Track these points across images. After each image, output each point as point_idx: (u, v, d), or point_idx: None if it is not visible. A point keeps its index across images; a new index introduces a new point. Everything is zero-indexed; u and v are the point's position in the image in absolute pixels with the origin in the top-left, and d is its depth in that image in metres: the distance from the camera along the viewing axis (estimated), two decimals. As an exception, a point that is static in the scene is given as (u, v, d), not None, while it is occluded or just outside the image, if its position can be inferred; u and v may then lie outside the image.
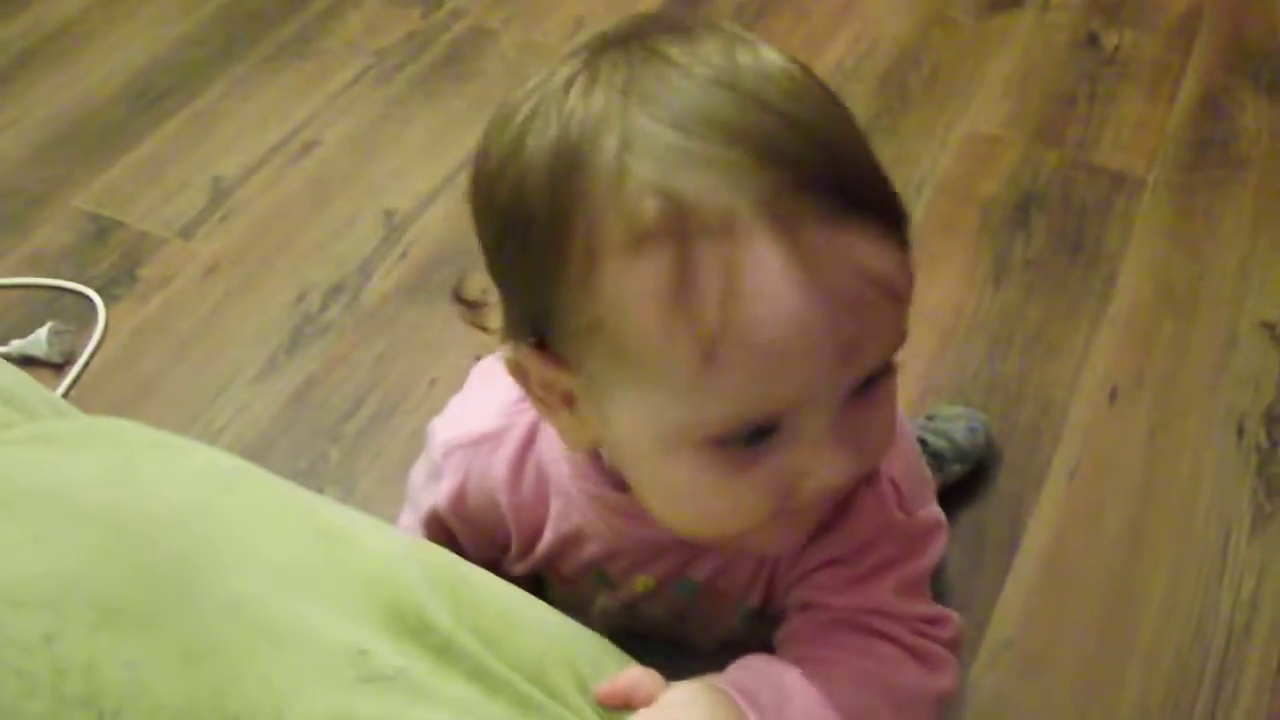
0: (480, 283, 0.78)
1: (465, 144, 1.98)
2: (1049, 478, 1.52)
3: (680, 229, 0.59)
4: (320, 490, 1.48)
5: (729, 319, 0.59)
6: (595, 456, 0.80)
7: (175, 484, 0.65)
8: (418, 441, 1.51)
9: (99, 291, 1.76)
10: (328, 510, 0.68)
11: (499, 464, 0.84)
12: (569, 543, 0.85)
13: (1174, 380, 1.63)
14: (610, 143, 0.61)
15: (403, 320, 1.72)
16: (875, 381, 0.68)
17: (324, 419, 1.60)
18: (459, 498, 0.87)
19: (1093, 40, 2.16)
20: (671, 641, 0.93)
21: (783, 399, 0.64)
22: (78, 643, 0.55)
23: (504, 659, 0.62)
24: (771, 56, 0.64)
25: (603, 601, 0.89)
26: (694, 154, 0.59)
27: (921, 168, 1.91)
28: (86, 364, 1.66)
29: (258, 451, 1.55)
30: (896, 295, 0.64)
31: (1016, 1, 2.24)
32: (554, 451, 0.82)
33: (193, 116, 2.06)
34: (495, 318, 0.74)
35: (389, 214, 1.87)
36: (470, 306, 0.79)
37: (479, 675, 0.60)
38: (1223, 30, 2.18)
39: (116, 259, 1.82)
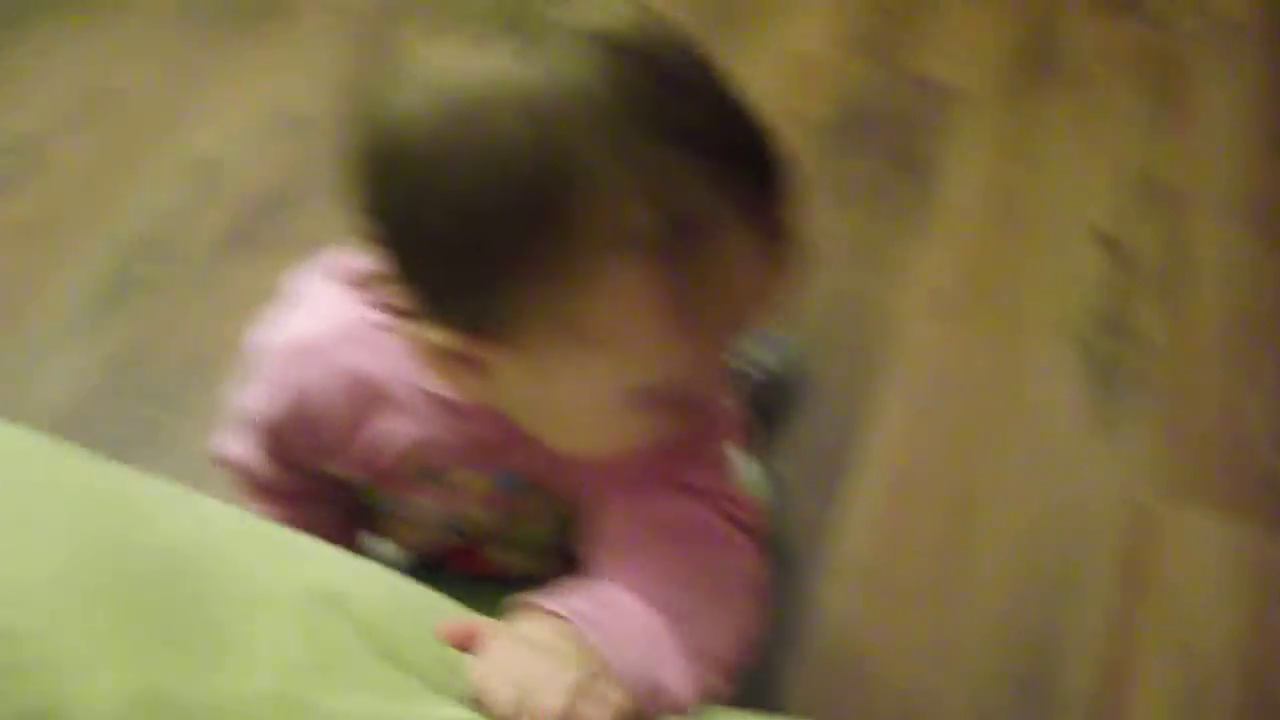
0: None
1: (279, 80, 1.87)
2: (886, 393, 1.48)
3: (672, 234, 0.63)
4: (153, 457, 1.39)
5: (715, 305, 0.67)
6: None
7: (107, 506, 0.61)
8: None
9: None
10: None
11: (312, 374, 0.84)
12: (395, 441, 0.85)
13: (1008, 290, 1.60)
14: (596, 151, 0.63)
15: (228, 273, 1.61)
16: None
17: (152, 382, 1.49)
18: (282, 404, 0.86)
19: (918, -48, 2.12)
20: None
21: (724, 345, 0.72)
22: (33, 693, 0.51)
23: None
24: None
25: (426, 503, 0.90)
26: (686, 165, 0.64)
27: (749, 89, 1.84)
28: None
29: (82, 420, 1.44)
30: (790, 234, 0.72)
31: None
32: (379, 360, 0.83)
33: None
34: (401, 299, 0.73)
35: (203, 161, 1.75)
36: (395, 310, 0.76)
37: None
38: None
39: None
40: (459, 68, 0.65)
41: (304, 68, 1.90)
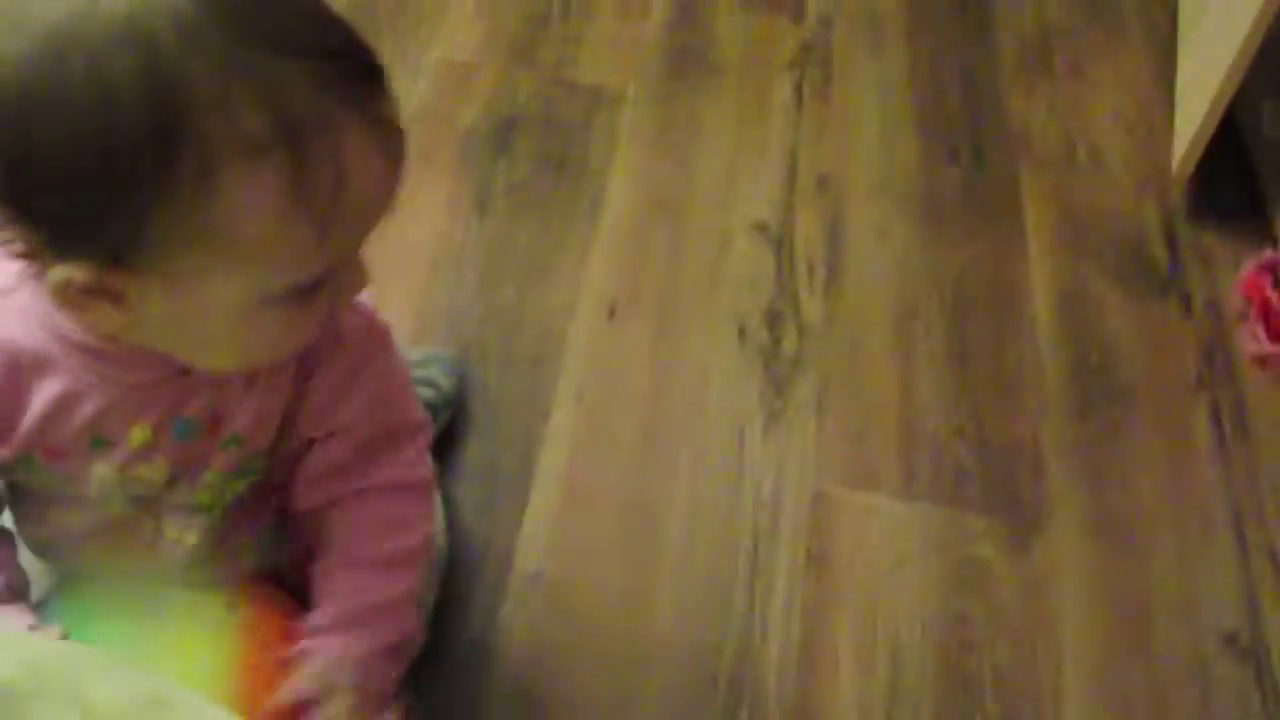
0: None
1: None
2: (556, 404, 1.44)
3: (289, 137, 0.68)
4: None
5: (341, 200, 0.70)
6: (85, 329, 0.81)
7: None
8: None
9: None
10: None
11: (9, 321, 0.82)
12: (60, 408, 0.84)
13: (672, 289, 1.58)
14: (202, 67, 0.66)
15: None
16: None
17: None
18: None
19: (560, -43, 2.09)
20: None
21: (359, 240, 0.76)
22: None
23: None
24: None
25: (100, 470, 0.88)
26: (289, 69, 0.68)
27: (397, 99, 1.78)
28: None
29: None
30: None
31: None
32: (26, 325, 0.82)
33: None
34: (25, 243, 0.73)
35: None
36: (31, 255, 0.74)
37: None
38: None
39: None
40: (45, 7, 0.66)
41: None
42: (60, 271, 0.72)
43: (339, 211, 0.71)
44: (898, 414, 1.49)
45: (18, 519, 0.96)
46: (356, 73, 0.72)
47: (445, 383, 1.38)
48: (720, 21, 1.99)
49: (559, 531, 1.34)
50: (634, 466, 1.40)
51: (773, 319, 1.55)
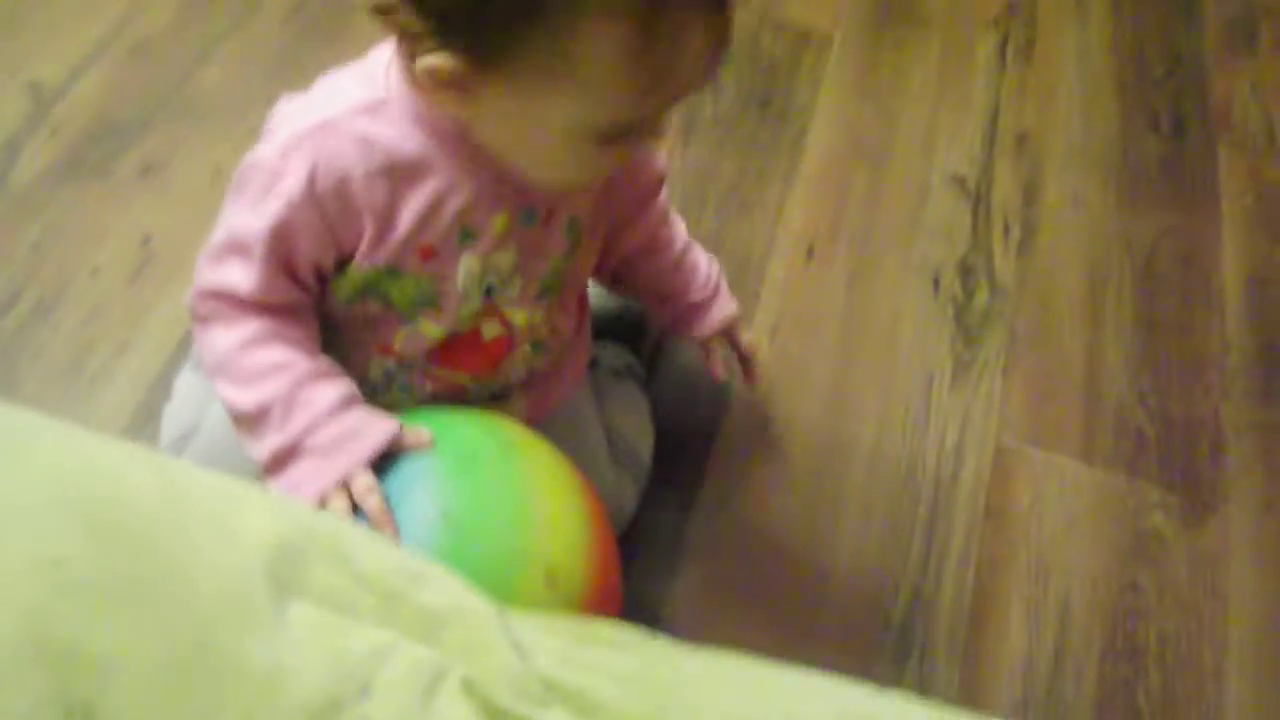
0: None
1: (115, 7, 1.77)
2: (756, 335, 1.46)
3: (647, 8, 0.78)
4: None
5: (670, 73, 0.82)
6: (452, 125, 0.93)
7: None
8: (84, 336, 1.36)
9: None
10: None
11: (346, 145, 0.92)
12: (436, 205, 0.94)
13: (868, 235, 1.60)
14: None
15: (58, 203, 1.51)
16: None
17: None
18: (309, 187, 0.91)
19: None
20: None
21: (669, 105, 0.87)
22: None
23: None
24: None
25: (467, 262, 0.98)
26: None
27: None
28: None
29: None
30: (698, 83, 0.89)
31: None
32: (397, 126, 0.92)
33: None
34: (411, 23, 0.84)
35: (35, 87, 1.65)
36: (384, 12, 0.85)
37: None
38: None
39: None
40: None
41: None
42: (431, 59, 0.83)
43: (666, 77, 0.82)
44: (1083, 377, 1.50)
45: (351, 369, 1.02)
46: None
47: None
48: (928, -30, 1.99)
49: (747, 459, 1.37)
50: (824, 404, 1.42)
51: (966, 272, 1.57)
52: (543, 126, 0.87)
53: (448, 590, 0.66)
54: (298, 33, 1.72)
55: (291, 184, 0.92)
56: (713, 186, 1.62)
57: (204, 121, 1.61)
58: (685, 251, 1.23)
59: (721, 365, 1.23)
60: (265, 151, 0.93)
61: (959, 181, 1.67)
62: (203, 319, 0.99)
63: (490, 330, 1.04)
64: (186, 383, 1.24)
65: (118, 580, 0.51)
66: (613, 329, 1.37)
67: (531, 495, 0.93)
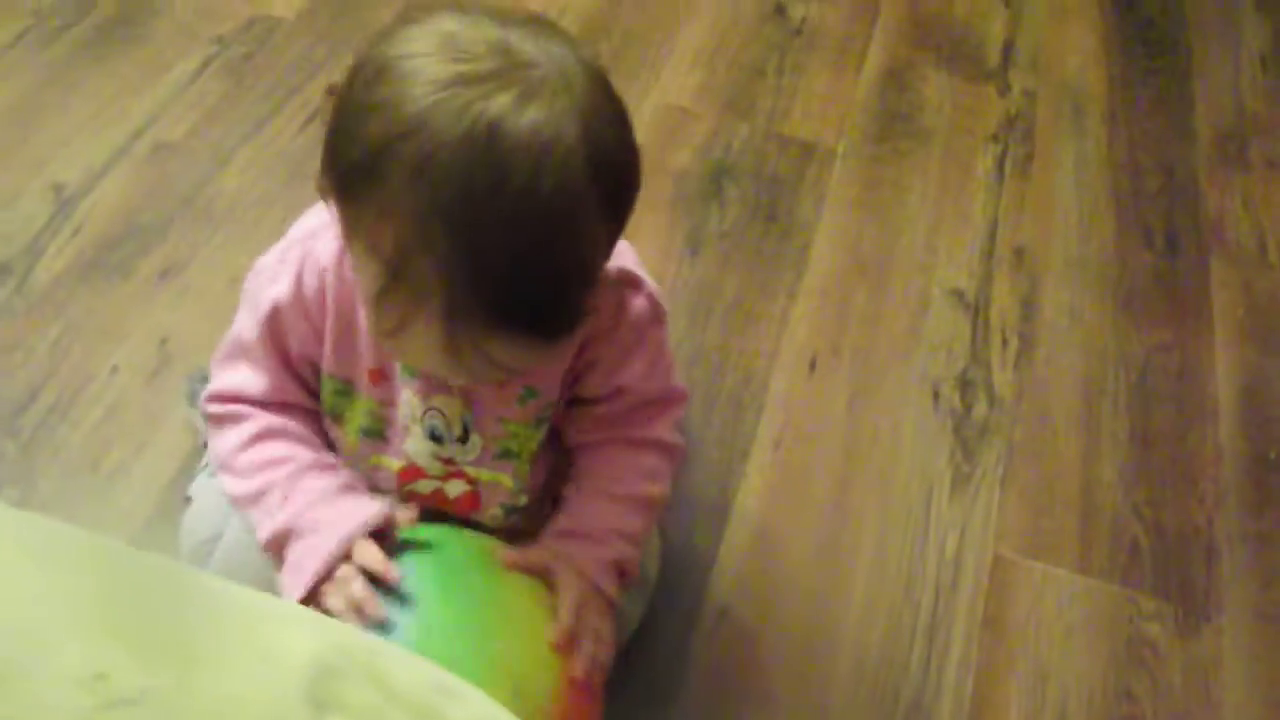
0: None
1: (137, 112, 1.83)
2: (755, 447, 1.51)
3: (394, 273, 0.83)
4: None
5: (396, 341, 0.88)
6: None
7: None
8: (103, 433, 1.41)
9: None
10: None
11: (326, 248, 0.99)
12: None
13: (870, 347, 1.64)
14: (396, 178, 0.81)
15: (78, 303, 1.56)
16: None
17: (-5, 413, 1.44)
18: (296, 289, 0.99)
19: (780, 12, 2.17)
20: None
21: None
22: None
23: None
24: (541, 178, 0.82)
25: (407, 396, 1.03)
26: (430, 239, 0.80)
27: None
28: None
29: None
30: (518, 371, 0.92)
31: (701, -25, 2.24)
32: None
33: None
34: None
35: (58, 188, 1.71)
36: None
37: None
38: (901, 5, 2.23)
39: None
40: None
41: (162, 93, 1.87)
42: (323, 179, 0.89)
43: (394, 338, 0.87)
44: (1079, 488, 1.54)
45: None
46: (480, 306, 0.82)
47: None
48: (928, 86, 2.05)
49: (749, 570, 1.40)
50: (824, 515, 1.46)
51: (965, 385, 1.61)
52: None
53: (478, 707, 0.69)
54: (315, 138, 1.77)
55: (281, 286, 1.00)
56: (718, 300, 1.67)
57: (222, 225, 1.67)
58: (619, 495, 1.11)
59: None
60: (265, 259, 1.03)
61: (958, 295, 1.72)
62: (215, 419, 1.06)
63: (454, 488, 1.09)
64: (205, 488, 1.27)
65: (161, 694, 0.53)
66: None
67: (507, 611, 0.98)
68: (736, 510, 1.44)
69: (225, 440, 1.05)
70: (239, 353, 1.05)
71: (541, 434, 1.08)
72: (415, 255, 0.81)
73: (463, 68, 0.80)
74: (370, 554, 0.96)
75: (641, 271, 1.08)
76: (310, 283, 1.00)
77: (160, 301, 1.56)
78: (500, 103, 0.79)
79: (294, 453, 1.03)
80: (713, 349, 1.61)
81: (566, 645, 0.98)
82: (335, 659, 0.63)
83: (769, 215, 1.80)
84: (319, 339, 1.02)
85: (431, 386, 1.02)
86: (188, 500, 1.26)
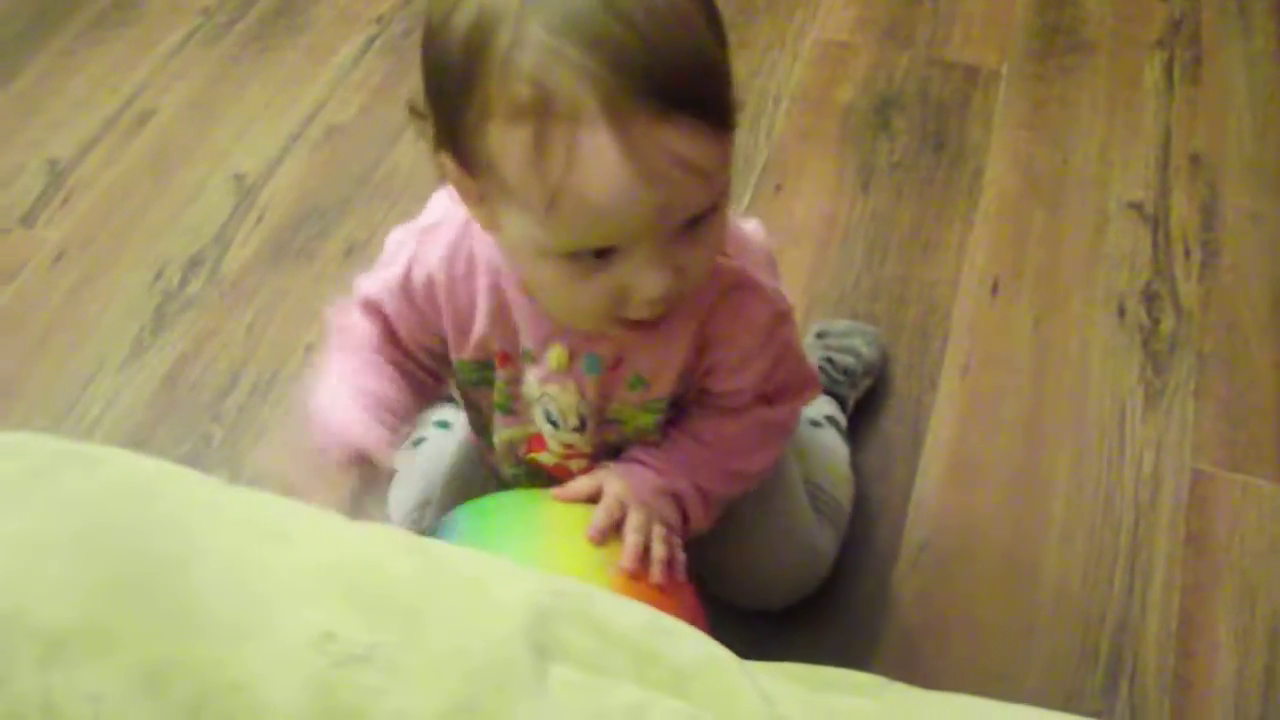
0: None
1: (307, 98, 1.90)
2: (943, 376, 1.52)
3: (541, 111, 0.79)
4: (206, 473, 1.41)
5: (566, 183, 0.81)
6: None
7: (99, 494, 0.59)
8: (302, 412, 1.46)
9: (-60, 289, 1.65)
10: (267, 508, 0.64)
11: (438, 246, 1.01)
12: (498, 317, 1.01)
13: (1051, 267, 1.64)
14: (505, 36, 0.79)
15: (268, 287, 1.64)
16: (699, 221, 0.87)
17: (201, 398, 1.52)
18: (406, 275, 1.03)
19: (933, -63, 2.15)
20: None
21: (609, 238, 0.85)
22: (29, 681, 0.49)
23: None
24: None
25: (529, 380, 1.05)
26: (561, 56, 0.78)
27: (776, 79, 1.88)
28: (-67, 367, 1.55)
29: (135, 441, 1.46)
30: (703, 173, 0.83)
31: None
32: (484, 239, 0.99)
33: (15, 97, 1.93)
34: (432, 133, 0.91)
35: (239, 178, 1.78)
36: (418, 117, 0.92)
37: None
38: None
39: (-47, 252, 1.71)
40: None
41: (329, 77, 1.93)
42: (441, 158, 0.90)
43: (565, 192, 0.81)
44: (1275, 396, 1.52)
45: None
46: (641, 92, 0.79)
47: (867, 352, 1.47)
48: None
49: (947, 501, 1.41)
50: (1018, 439, 1.47)
51: (1150, 299, 1.60)
52: (513, 241, 0.90)
53: (693, 643, 0.71)
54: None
55: (393, 273, 1.04)
56: (894, 231, 1.67)
57: (399, 200, 1.72)
58: (706, 441, 1.08)
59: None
60: (391, 238, 1.07)
61: (1137, 207, 1.70)
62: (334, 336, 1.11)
63: (574, 465, 1.10)
64: (408, 460, 1.32)
65: (389, 649, 0.55)
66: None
67: (546, 523, 1.02)
68: (929, 440, 1.46)
69: (355, 335, 1.08)
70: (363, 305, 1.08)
71: (650, 420, 1.07)
72: (554, 75, 0.78)
73: None
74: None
75: (763, 272, 1.03)
76: (419, 278, 1.02)
77: (346, 280, 1.62)
78: None
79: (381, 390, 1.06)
80: (893, 280, 1.62)
81: (602, 539, 0.98)
82: (552, 605, 0.64)
83: (938, 143, 1.79)
84: (432, 329, 1.05)
85: (548, 374, 1.03)
86: (393, 473, 1.31)
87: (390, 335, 1.07)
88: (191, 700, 0.50)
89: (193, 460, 1.44)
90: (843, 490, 1.35)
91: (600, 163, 0.80)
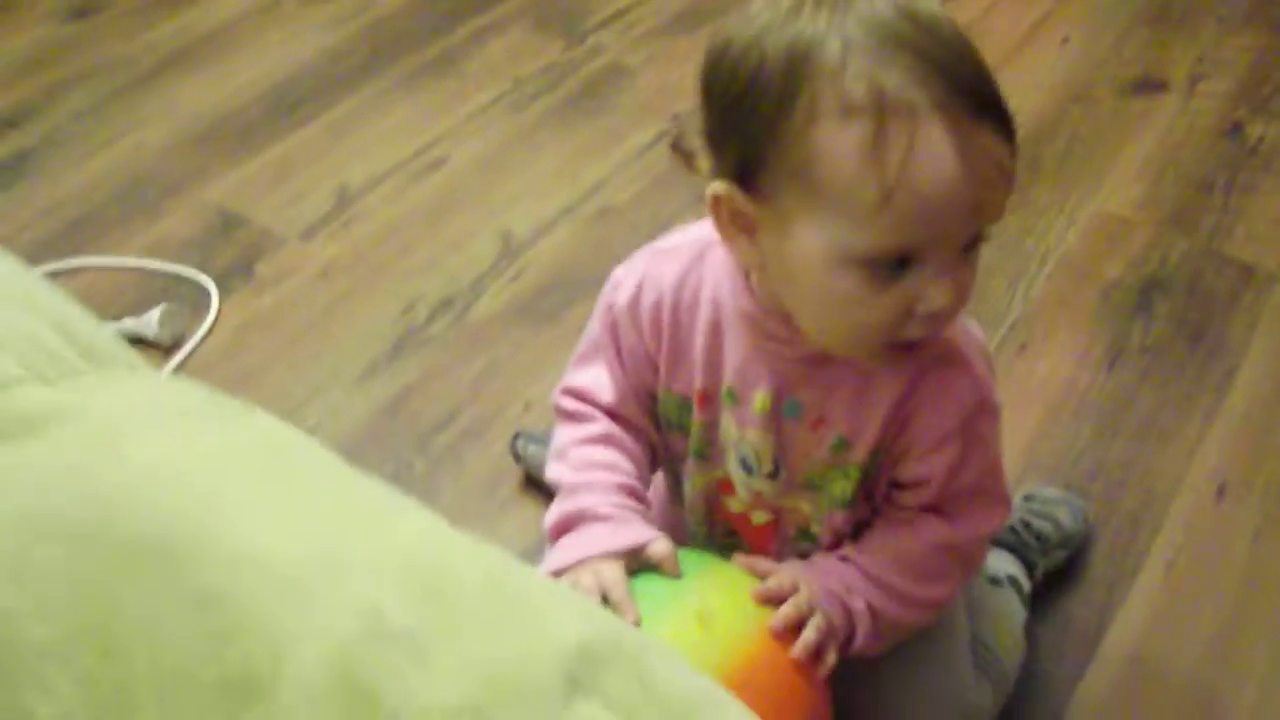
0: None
1: (590, 175, 1.99)
2: (1144, 569, 1.47)
3: (879, 107, 0.84)
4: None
5: (905, 174, 0.84)
6: (748, 280, 1.01)
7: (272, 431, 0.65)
8: (505, 464, 1.53)
9: (216, 282, 1.80)
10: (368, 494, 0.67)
11: (670, 269, 1.06)
12: (712, 351, 1.05)
13: (1289, 484, 1.57)
14: (835, 44, 0.85)
15: (506, 340, 1.73)
16: (972, 246, 0.91)
17: (414, 429, 1.61)
18: (635, 297, 1.07)
19: (1236, 129, 2.11)
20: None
21: (926, 237, 0.88)
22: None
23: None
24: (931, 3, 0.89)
25: (726, 422, 1.07)
26: (892, 59, 0.84)
27: (1047, 242, 1.88)
28: (194, 350, 1.69)
29: (344, 454, 1.53)
30: (1008, 178, 0.89)
31: (1162, 85, 2.20)
32: (716, 270, 1.04)
33: (328, 125, 2.10)
34: (704, 162, 0.96)
35: (507, 236, 1.89)
36: (685, 154, 0.98)
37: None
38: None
39: (237, 253, 1.86)
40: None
41: (616, 160, 2.01)
42: (713, 185, 0.93)
43: (903, 185, 0.84)
44: None
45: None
46: (960, 92, 0.85)
47: (1069, 523, 1.45)
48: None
49: (1117, 700, 1.36)
50: (1207, 654, 1.40)
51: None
52: (808, 257, 0.90)
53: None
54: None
55: (622, 294, 1.08)
56: (1130, 414, 1.64)
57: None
58: (890, 563, 1.06)
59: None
60: (618, 270, 1.11)
61: (1394, 439, 1.62)
62: (564, 414, 1.14)
63: (758, 517, 1.13)
64: None
65: (423, 636, 0.55)
66: (1005, 537, 1.41)
67: (713, 568, 1.05)
68: (1114, 630, 1.41)
69: (569, 433, 1.12)
70: (592, 353, 1.13)
71: (850, 482, 1.06)
72: (889, 75, 0.84)
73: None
74: (611, 573, 1.00)
75: (976, 356, 1.04)
76: (648, 298, 1.06)
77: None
78: None
79: (621, 464, 1.10)
80: (1116, 464, 1.58)
81: (767, 600, 1.00)
82: (604, 648, 0.64)
83: (1197, 334, 1.75)
84: (646, 354, 1.09)
85: (749, 419, 1.05)
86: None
87: (624, 370, 1.11)
88: (223, 628, 0.54)
89: (390, 485, 1.50)
90: (1011, 654, 1.32)
91: (936, 156, 0.85)
